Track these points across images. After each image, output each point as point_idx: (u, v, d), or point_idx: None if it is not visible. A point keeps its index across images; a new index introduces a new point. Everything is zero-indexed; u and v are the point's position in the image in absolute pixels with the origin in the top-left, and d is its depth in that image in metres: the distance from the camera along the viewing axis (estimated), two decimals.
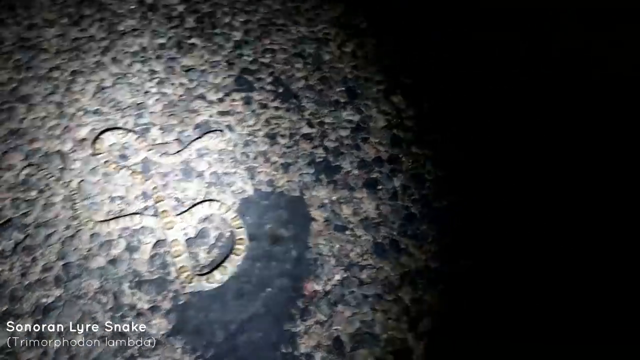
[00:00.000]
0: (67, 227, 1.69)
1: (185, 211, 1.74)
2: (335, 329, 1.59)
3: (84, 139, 1.87)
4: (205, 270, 1.65)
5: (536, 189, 1.93)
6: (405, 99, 2.10)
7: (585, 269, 1.74)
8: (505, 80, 2.23)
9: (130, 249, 1.67)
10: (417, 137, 2.00)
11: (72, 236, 1.67)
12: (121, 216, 1.71)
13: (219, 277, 1.61)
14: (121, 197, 1.77)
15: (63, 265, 1.62)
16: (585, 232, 1.82)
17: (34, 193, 1.75)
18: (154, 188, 1.77)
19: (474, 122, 2.09)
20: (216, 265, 1.66)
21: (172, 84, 2.05)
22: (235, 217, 1.73)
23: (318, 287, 1.66)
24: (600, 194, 1.94)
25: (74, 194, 1.74)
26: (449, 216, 1.83)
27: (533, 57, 2.33)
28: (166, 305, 1.58)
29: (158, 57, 2.12)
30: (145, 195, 1.77)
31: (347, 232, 1.76)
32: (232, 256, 1.66)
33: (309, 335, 1.57)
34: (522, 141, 2.05)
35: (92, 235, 1.68)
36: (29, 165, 1.81)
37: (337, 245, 1.74)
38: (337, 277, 1.68)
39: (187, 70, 2.09)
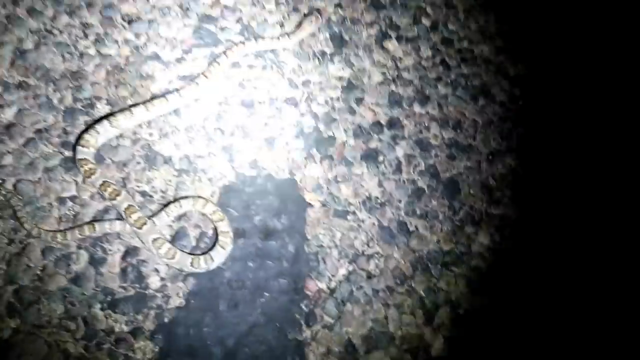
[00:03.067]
0: (10, 242, 1.43)
1: (158, 212, 1.50)
2: (346, 332, 1.48)
3: (11, 125, 1.54)
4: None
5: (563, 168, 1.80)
6: (402, 44, 1.84)
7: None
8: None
9: (95, 262, 1.45)
10: (418, 93, 1.78)
11: (19, 253, 1.42)
12: (78, 224, 1.46)
13: (203, 265, 1.46)
14: (72, 198, 1.50)
15: (14, 290, 1.38)
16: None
17: None
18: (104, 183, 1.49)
19: (486, 72, 1.88)
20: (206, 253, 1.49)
21: (115, 41, 1.68)
22: (215, 211, 1.51)
23: (322, 286, 1.53)
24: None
25: (12, 198, 1.45)
26: (460, 187, 1.69)
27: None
28: (149, 325, 1.41)
29: (90, 5, 1.72)
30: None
31: (349, 217, 1.60)
32: (219, 248, 1.48)
33: (317, 342, 1.46)
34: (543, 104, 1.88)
35: (44, 250, 1.43)
36: None
37: (339, 234, 1.59)
38: (342, 271, 1.55)
39: (130, 22, 1.72)
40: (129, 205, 1.48)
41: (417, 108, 1.76)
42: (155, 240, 1.46)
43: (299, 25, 1.80)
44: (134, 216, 1.46)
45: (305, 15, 1.82)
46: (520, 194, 1.73)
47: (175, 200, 1.53)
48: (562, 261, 1.67)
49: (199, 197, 1.54)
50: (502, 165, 1.75)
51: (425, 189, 1.67)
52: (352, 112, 1.72)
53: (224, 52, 1.70)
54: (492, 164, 1.74)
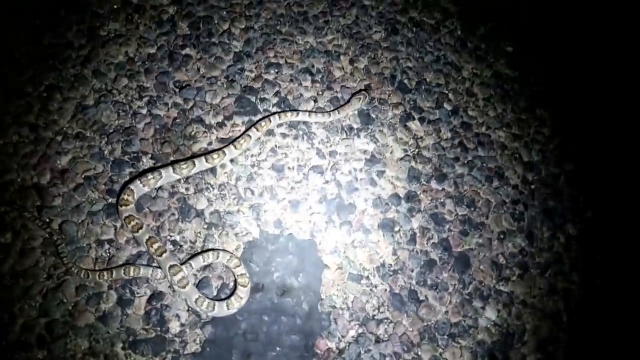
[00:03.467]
0: (49, 277, 1.55)
1: (187, 261, 1.61)
2: None
3: (65, 170, 1.70)
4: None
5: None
6: (424, 125, 1.98)
7: None
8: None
9: (123, 302, 1.55)
10: (436, 171, 1.90)
11: (56, 288, 1.53)
12: (114, 266, 1.58)
13: (204, 307, 1.53)
14: (110, 241, 1.62)
15: (46, 323, 1.49)
16: None
17: (8, 236, 1.59)
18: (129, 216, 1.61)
19: (501, 156, 1.98)
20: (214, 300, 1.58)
21: (165, 103, 1.87)
22: (243, 274, 1.60)
23: (331, 345, 1.58)
24: None
25: (56, 237, 1.58)
26: (471, 262, 1.76)
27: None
28: None
29: (148, 71, 1.92)
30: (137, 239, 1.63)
31: (363, 282, 1.67)
32: (224, 305, 1.55)
33: None
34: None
35: (78, 287, 1.54)
36: (1, 202, 1.63)
37: (352, 297, 1.65)
38: (352, 333, 1.60)
39: (181, 88, 1.91)
40: (150, 237, 1.61)
41: (434, 184, 1.86)
42: (172, 266, 1.57)
43: (347, 101, 1.96)
44: (155, 246, 1.59)
45: (354, 94, 1.98)
46: (529, 274, 1.79)
47: (214, 249, 1.64)
48: (568, 342, 1.71)
49: (235, 255, 1.64)
50: (512, 244, 1.81)
51: (437, 261, 1.74)
52: (373, 183, 1.83)
53: (277, 113, 1.86)
54: (503, 243, 1.81)
